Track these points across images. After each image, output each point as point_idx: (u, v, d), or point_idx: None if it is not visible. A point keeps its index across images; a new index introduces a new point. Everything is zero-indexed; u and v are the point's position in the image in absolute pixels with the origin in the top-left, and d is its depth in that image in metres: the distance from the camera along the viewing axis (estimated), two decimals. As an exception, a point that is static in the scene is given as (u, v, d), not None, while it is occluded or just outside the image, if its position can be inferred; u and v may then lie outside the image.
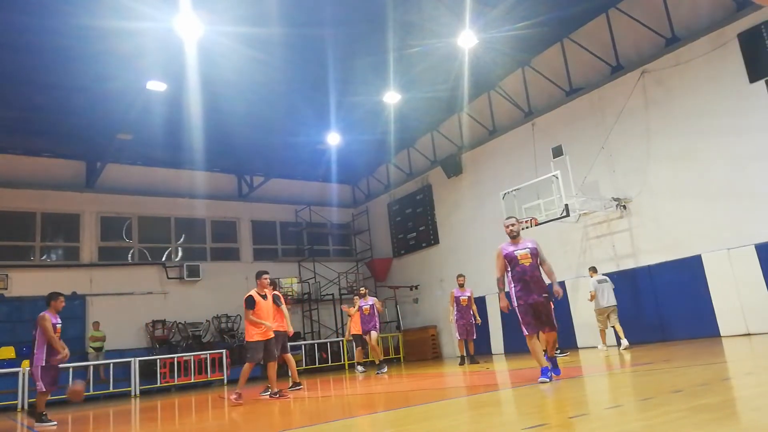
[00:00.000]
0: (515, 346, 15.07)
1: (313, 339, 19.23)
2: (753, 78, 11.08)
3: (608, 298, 11.67)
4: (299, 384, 9.56)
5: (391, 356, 18.87)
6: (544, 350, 11.57)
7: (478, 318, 12.64)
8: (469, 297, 12.63)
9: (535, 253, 6.67)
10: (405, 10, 12.06)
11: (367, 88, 15.17)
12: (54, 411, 11.32)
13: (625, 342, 11.26)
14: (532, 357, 6.66)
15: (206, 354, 15.24)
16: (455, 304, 12.62)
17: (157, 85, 13.24)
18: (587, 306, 13.50)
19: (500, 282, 6.73)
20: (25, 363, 13.50)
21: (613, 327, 11.66)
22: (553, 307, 6.70)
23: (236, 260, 20.11)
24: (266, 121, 16.43)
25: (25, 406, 12.39)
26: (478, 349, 13.52)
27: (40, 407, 7.52)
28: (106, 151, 16.21)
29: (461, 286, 12.75)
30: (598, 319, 11.88)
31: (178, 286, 18.40)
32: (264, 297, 8.19)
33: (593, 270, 12.21)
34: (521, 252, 6.65)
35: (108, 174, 17.44)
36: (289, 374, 9.78)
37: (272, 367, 8.27)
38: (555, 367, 6.70)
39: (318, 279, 20.90)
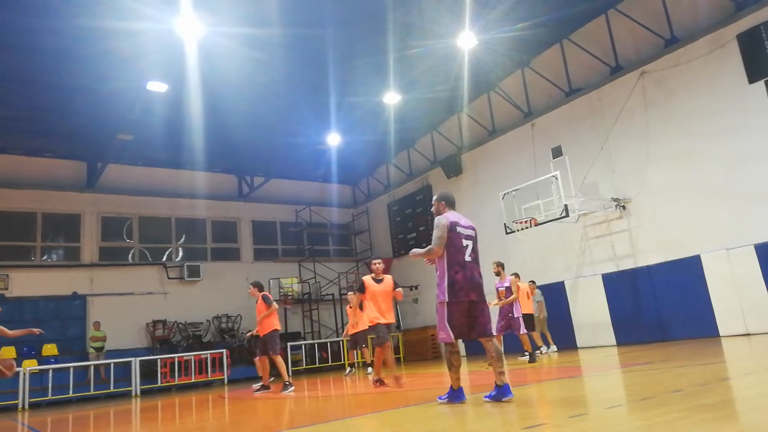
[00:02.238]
0: (514, 346, 15.05)
1: (313, 339, 19.26)
2: (752, 79, 11.11)
3: (544, 308, 13.09)
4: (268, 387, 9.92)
5: (391, 356, 18.88)
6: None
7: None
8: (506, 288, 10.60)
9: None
10: (405, 10, 12.08)
11: (367, 88, 15.18)
12: (54, 411, 11.37)
13: (553, 347, 12.93)
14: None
15: (207, 354, 15.26)
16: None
17: (157, 86, 13.27)
18: (586, 306, 13.64)
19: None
20: (26, 363, 13.55)
21: (543, 332, 12.98)
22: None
23: (236, 260, 20.15)
24: (266, 121, 16.44)
25: (26, 406, 12.41)
26: (478, 348, 13.51)
27: None
28: (107, 151, 16.24)
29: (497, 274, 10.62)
30: (536, 325, 12.73)
31: (179, 286, 18.42)
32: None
33: (533, 283, 12.93)
34: None
35: (108, 174, 17.46)
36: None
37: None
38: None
39: (318, 279, 20.92)
